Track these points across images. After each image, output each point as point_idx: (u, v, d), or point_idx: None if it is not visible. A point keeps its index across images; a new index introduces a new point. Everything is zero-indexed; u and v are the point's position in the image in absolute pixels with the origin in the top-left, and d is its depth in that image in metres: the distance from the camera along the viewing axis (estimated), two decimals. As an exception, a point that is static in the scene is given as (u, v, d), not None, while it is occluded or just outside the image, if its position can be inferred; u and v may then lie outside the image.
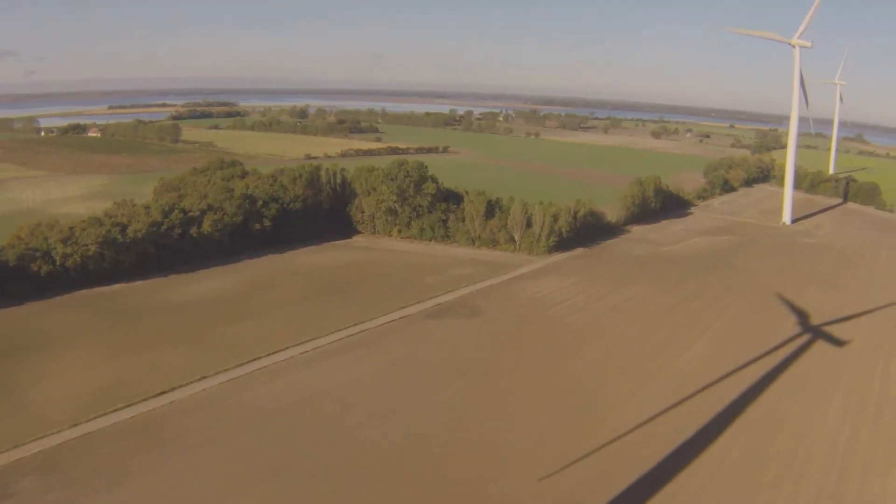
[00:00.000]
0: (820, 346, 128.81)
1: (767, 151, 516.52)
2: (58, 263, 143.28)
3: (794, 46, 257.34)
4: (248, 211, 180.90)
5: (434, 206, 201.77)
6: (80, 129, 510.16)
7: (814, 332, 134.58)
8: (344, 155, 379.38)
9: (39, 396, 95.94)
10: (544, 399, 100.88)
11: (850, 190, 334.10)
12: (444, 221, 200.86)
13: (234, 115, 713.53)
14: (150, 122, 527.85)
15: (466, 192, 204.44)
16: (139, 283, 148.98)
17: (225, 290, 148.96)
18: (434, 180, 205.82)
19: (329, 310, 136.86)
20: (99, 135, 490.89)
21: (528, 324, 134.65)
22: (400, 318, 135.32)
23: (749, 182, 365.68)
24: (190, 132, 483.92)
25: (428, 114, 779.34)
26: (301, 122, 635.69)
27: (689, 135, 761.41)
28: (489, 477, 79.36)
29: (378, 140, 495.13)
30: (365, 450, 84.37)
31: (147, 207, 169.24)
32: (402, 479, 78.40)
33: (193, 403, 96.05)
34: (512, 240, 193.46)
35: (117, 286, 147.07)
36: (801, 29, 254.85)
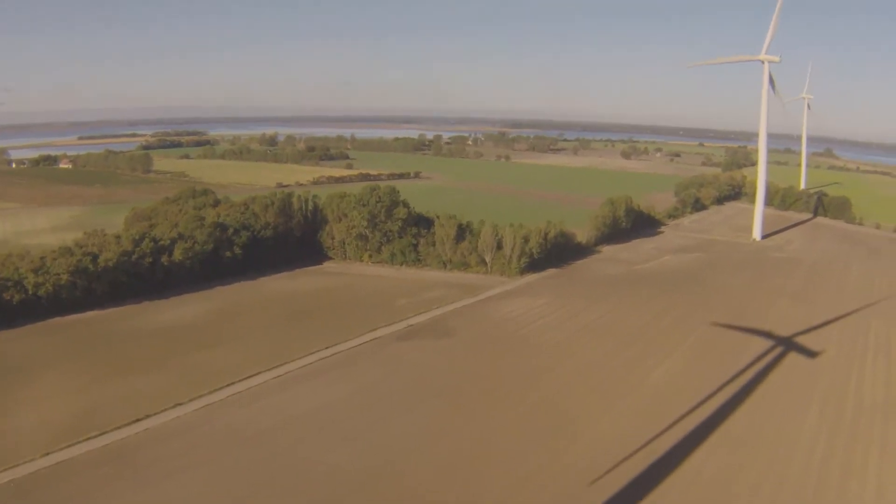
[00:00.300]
0: (793, 357, 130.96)
1: (738, 168, 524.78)
2: (30, 292, 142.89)
3: (762, 62, 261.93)
4: (218, 239, 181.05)
5: (405, 231, 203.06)
6: (51, 160, 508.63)
7: (786, 344, 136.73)
8: (316, 182, 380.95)
9: (11, 425, 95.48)
10: (517, 419, 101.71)
11: (821, 205, 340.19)
12: (415, 246, 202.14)
13: (203, 144, 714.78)
14: (121, 152, 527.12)
15: (437, 217, 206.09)
16: (112, 311, 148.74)
17: (197, 316, 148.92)
18: (405, 205, 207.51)
19: (301, 334, 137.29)
20: (70, 166, 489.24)
21: (500, 344, 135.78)
22: (372, 339, 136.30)
23: (720, 200, 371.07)
24: (161, 162, 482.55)
25: (397, 139, 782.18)
26: (271, 149, 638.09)
27: (658, 154, 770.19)
28: (464, 499, 79.78)
29: (349, 167, 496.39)
30: (339, 473, 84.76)
31: (118, 237, 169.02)
32: (379, 500, 78.83)
33: (167, 430, 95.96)
34: (483, 262, 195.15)
35: (90, 314, 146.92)
36: (766, 43, 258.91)
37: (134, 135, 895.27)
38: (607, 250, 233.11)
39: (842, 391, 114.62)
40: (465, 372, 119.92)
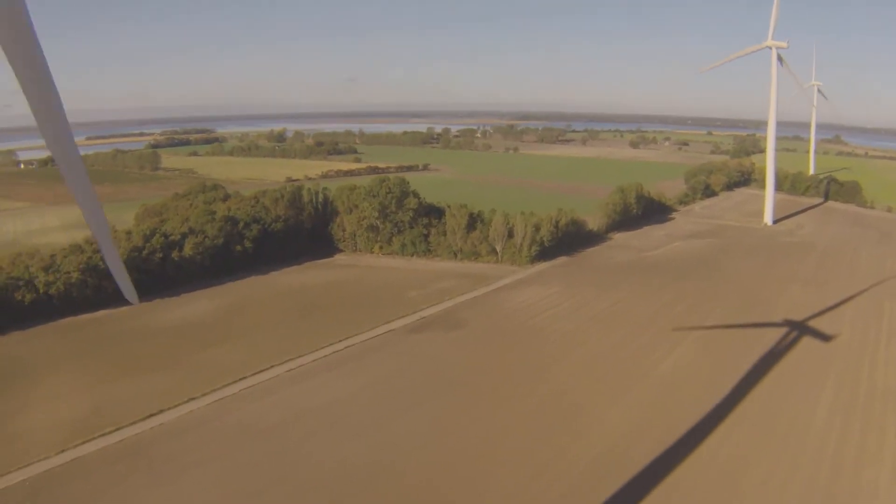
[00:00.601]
0: (807, 342, 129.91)
1: (747, 156, 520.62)
2: (41, 291, 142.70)
3: (770, 49, 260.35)
4: (229, 233, 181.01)
5: (416, 222, 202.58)
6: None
7: (800, 329, 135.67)
8: (325, 176, 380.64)
9: (24, 424, 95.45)
10: (527, 411, 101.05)
11: (831, 189, 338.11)
12: (426, 236, 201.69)
13: (212, 142, 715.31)
14: (129, 151, 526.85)
15: (448, 206, 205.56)
16: (124, 309, 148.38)
17: (208, 313, 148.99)
18: (416, 195, 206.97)
19: (313, 328, 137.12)
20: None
21: (511, 335, 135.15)
22: (384, 332, 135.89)
23: (730, 186, 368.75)
24: (169, 160, 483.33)
25: (406, 133, 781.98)
26: (279, 145, 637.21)
27: (667, 143, 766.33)
28: (475, 491, 79.47)
29: (358, 160, 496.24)
30: (352, 466, 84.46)
31: (128, 233, 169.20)
32: (388, 495, 78.53)
33: (182, 425, 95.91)
34: (494, 251, 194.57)
35: (101, 312, 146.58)
36: (771, 29, 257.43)
37: (142, 134, 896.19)
38: (618, 237, 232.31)
39: (855, 375, 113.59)
40: (476, 365, 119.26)
